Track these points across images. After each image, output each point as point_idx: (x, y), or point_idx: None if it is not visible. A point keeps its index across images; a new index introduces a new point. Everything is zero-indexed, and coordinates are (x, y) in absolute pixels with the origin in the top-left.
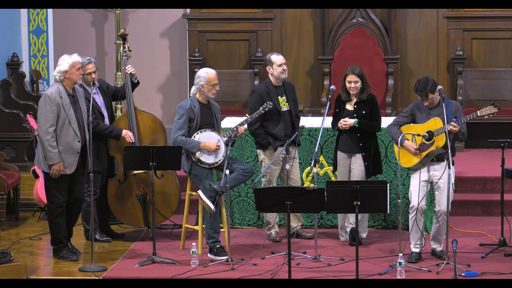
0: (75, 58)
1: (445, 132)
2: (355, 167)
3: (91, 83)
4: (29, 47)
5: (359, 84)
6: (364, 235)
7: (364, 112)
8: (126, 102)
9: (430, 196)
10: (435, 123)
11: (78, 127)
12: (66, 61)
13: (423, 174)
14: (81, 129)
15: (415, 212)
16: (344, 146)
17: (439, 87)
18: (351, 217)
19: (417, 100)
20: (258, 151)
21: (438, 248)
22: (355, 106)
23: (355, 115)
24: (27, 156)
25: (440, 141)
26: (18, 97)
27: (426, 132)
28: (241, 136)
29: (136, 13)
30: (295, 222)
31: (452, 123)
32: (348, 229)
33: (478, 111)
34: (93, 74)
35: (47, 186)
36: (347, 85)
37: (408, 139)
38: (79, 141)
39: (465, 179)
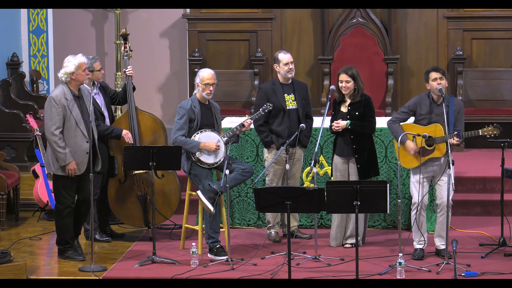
0: (81, 59)
1: (447, 142)
2: (351, 172)
3: (91, 83)
4: (29, 47)
5: (351, 85)
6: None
7: (357, 113)
8: (127, 102)
9: (431, 194)
10: (435, 130)
11: (86, 128)
12: (72, 63)
13: (424, 169)
14: (88, 129)
15: (417, 209)
16: (340, 149)
17: (439, 87)
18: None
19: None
20: (264, 149)
21: (442, 245)
22: (349, 108)
23: (348, 116)
24: (27, 156)
25: (442, 149)
26: (18, 97)
27: (428, 136)
28: (247, 129)
29: (136, 13)
30: (292, 223)
31: (455, 138)
32: (348, 241)
33: (480, 130)
34: (102, 70)
35: (56, 187)
36: (339, 84)
37: (409, 139)
38: (87, 142)
39: (465, 179)
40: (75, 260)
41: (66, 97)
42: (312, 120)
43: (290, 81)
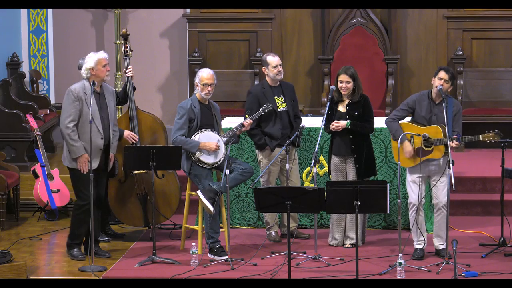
0: (101, 55)
1: (446, 143)
2: (348, 172)
3: (91, 83)
4: (29, 47)
5: (350, 85)
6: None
7: (356, 113)
8: (127, 102)
9: (430, 194)
10: (436, 132)
11: (102, 125)
12: (91, 58)
13: (421, 169)
14: (105, 126)
15: (414, 209)
16: (337, 149)
17: (439, 87)
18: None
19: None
20: (256, 151)
21: (441, 245)
22: (347, 108)
23: (347, 116)
24: (27, 156)
25: (442, 150)
26: (18, 97)
27: (426, 138)
28: (246, 129)
29: (136, 13)
30: (292, 223)
31: (454, 141)
32: (348, 241)
33: (480, 136)
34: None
35: (74, 184)
36: (339, 84)
37: (407, 139)
38: (101, 138)
39: (465, 179)
40: (77, 259)
41: (85, 91)
42: (300, 120)
43: (278, 83)
